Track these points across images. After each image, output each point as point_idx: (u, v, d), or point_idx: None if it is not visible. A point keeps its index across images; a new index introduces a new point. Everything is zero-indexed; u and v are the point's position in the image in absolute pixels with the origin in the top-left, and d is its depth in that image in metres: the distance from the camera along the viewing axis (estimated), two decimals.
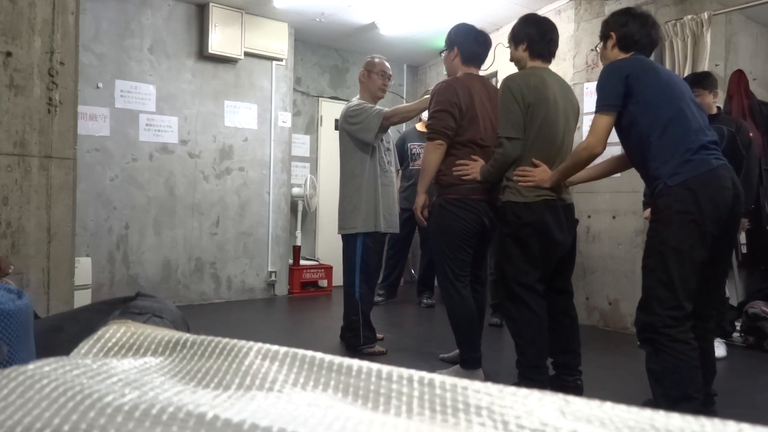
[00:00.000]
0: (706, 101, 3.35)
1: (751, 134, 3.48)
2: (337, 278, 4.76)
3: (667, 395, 2.01)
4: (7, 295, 0.94)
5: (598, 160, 2.40)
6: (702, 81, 3.39)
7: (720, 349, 3.38)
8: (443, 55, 2.98)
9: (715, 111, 3.44)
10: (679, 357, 2.00)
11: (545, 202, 2.41)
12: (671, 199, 2.03)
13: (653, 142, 2.09)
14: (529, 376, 2.41)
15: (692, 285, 2.04)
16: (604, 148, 2.23)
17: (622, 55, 2.28)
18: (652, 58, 3.85)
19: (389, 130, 3.46)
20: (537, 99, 2.45)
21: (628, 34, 2.29)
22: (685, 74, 3.78)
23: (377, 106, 3.30)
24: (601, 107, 2.18)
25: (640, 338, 2.15)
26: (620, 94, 2.13)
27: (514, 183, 2.46)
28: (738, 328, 3.74)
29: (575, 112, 2.66)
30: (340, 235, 3.34)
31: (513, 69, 2.68)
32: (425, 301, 5.01)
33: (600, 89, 2.20)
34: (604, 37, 2.37)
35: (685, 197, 2.01)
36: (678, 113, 2.09)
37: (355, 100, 3.41)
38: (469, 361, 2.76)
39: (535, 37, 2.56)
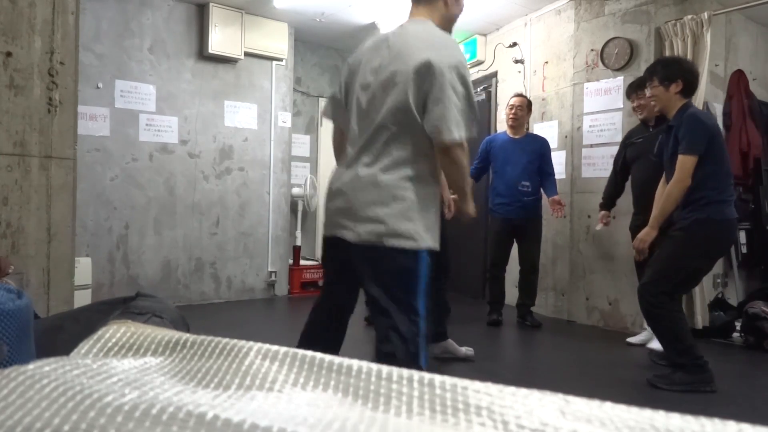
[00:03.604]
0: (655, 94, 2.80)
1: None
2: None
3: (679, 347, 2.70)
4: (7, 295, 0.95)
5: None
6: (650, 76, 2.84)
7: None
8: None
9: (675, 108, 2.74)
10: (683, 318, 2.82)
11: None
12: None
13: (708, 183, 2.63)
14: None
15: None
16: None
17: (680, 99, 2.70)
18: (651, 57, 3.88)
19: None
20: None
21: (694, 84, 2.74)
22: None
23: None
24: (689, 150, 2.61)
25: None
26: (705, 144, 2.61)
27: None
28: (738, 328, 3.74)
29: None
30: None
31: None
32: None
33: (690, 135, 2.62)
34: (668, 80, 2.67)
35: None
36: (728, 169, 2.71)
37: (438, 30, 2.08)
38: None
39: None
